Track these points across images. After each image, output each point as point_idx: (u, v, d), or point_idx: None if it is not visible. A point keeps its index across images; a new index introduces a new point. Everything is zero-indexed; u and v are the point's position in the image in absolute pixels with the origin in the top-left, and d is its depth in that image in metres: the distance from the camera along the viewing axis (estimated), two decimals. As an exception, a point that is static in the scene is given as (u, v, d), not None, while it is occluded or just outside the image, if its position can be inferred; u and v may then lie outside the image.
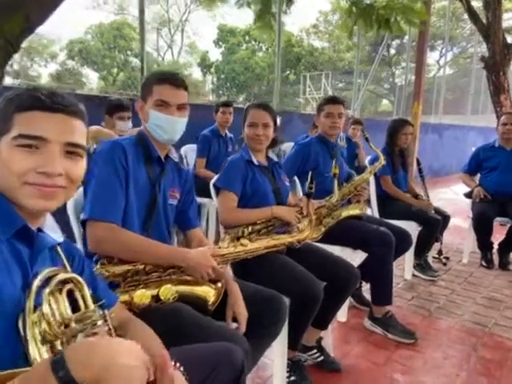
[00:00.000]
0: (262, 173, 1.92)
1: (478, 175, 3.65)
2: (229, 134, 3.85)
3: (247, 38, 27.63)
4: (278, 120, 2.01)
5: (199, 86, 31.50)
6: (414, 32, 11.20)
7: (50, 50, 23.19)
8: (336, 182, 1.98)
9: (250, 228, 1.76)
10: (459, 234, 4.47)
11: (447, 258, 3.55)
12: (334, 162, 2.50)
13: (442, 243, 3.32)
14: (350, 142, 5.47)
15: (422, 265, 3.14)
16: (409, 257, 3.06)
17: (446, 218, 3.14)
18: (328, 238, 2.32)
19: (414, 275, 3.14)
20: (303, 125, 6.37)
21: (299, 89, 20.75)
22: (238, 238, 1.71)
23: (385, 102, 33.10)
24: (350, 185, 2.45)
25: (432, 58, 28.71)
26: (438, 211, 3.14)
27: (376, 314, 2.29)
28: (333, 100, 2.46)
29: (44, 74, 23.07)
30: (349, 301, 2.56)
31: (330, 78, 20.92)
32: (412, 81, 10.77)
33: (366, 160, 3.34)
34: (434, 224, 3.00)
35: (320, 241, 2.29)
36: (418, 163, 3.25)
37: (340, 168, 2.53)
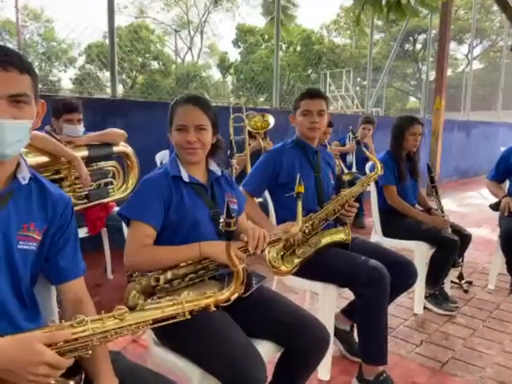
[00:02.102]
0: (194, 193, 1.41)
1: (507, 182, 3.02)
2: None
3: (266, 37, 27.11)
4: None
5: (219, 87, 31.25)
6: (438, 24, 10.43)
7: (69, 56, 23.38)
8: (299, 206, 1.44)
9: (169, 274, 1.25)
10: (486, 248, 3.83)
11: (469, 283, 2.94)
12: (313, 173, 1.98)
13: (462, 267, 2.72)
14: (360, 143, 4.88)
15: (436, 295, 2.55)
16: (420, 286, 2.48)
17: (465, 238, 2.54)
18: (306, 271, 1.80)
19: (425, 308, 2.56)
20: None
21: (321, 87, 20.03)
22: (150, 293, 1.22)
23: (412, 99, 31.91)
24: (335, 201, 1.91)
25: (461, 52, 27.41)
26: (455, 229, 2.54)
27: (366, 374, 1.73)
28: (310, 94, 1.94)
29: (64, 78, 23.24)
30: (335, 348, 2.01)
31: (352, 76, 20.11)
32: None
33: (367, 167, 2.78)
34: (451, 246, 2.41)
35: (296, 274, 1.78)
36: (430, 171, 2.65)
37: (323, 183, 2.00)
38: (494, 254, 2.93)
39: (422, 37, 28.12)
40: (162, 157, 3.28)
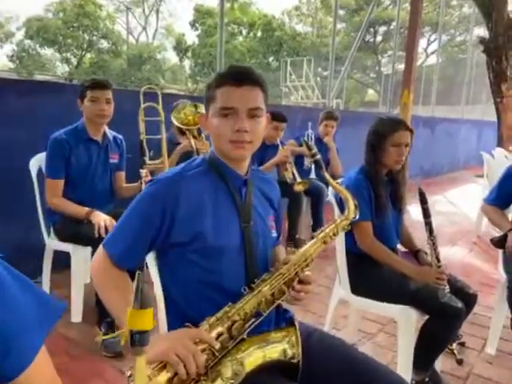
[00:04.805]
0: None
1: (512, 208, 2.28)
2: None
3: (225, 20, 25.82)
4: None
5: (176, 71, 29.63)
6: (402, 17, 9.84)
7: (6, 30, 21.04)
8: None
9: None
10: (469, 275, 3.13)
11: (462, 345, 2.18)
12: (239, 223, 1.09)
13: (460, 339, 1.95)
14: (321, 143, 4.05)
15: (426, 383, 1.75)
16: (404, 370, 1.66)
17: (469, 299, 1.73)
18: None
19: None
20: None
21: (282, 76, 19.16)
22: None
23: (371, 91, 31.86)
24: (276, 276, 1.04)
25: (420, 45, 27.52)
26: (455, 286, 1.74)
27: None
28: (234, 77, 1.03)
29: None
30: None
31: (313, 65, 19.41)
32: (400, 69, 9.46)
33: (330, 192, 1.92)
34: (452, 316, 1.60)
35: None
36: (423, 200, 1.78)
37: (256, 239, 1.11)
38: (495, 309, 2.17)
39: (382, 29, 27.90)
40: (40, 162, 2.27)
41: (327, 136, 4.00)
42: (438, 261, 1.70)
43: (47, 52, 21.34)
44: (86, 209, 2.11)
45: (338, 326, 2.29)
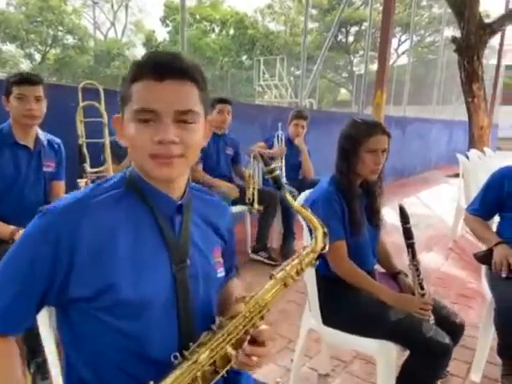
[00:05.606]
0: None
1: (496, 219, 2.08)
2: None
3: (197, 16, 25.29)
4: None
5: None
6: (374, 18, 9.76)
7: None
8: None
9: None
10: (449, 285, 2.96)
11: (446, 374, 1.97)
12: (170, 265, 0.80)
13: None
14: (292, 145, 3.81)
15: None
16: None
17: (455, 330, 1.52)
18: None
19: None
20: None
21: (255, 75, 18.92)
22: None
23: (343, 91, 32.01)
24: (222, 333, 0.76)
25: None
26: (440, 315, 1.51)
27: None
28: None
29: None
30: None
31: (286, 64, 19.26)
32: (371, 69, 9.37)
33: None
34: (439, 353, 1.37)
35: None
36: (404, 217, 1.54)
37: (188, 287, 0.83)
38: (481, 333, 1.96)
39: (354, 29, 28.04)
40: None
41: (298, 137, 3.77)
42: (422, 288, 1.46)
43: (10, 48, 20.30)
44: (11, 227, 1.78)
45: (309, 352, 2.04)
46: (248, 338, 0.81)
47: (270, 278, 0.89)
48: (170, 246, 0.81)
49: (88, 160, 1.99)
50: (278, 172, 0.99)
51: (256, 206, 3.15)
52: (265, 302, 0.85)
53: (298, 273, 0.91)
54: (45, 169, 1.98)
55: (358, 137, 1.54)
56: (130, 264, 0.75)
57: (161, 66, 0.74)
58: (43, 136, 2.00)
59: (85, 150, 1.97)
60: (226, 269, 0.98)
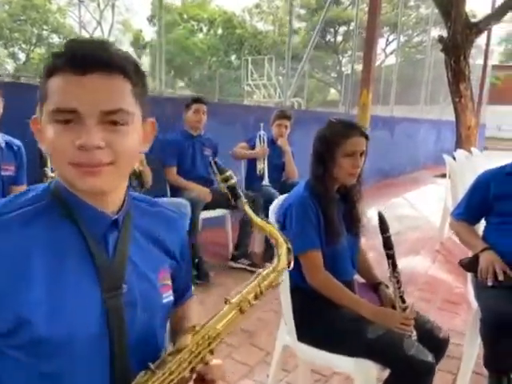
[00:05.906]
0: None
1: (482, 223, 1.99)
2: None
3: (185, 16, 25.08)
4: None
5: (135, 68, 28.52)
6: (361, 18, 9.70)
7: None
8: None
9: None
10: (434, 291, 2.88)
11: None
12: (100, 297, 0.68)
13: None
14: (275, 146, 3.69)
15: None
16: None
17: (439, 345, 1.41)
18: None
19: None
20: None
21: (243, 75, 18.82)
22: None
23: (333, 91, 32.05)
24: (163, 372, 0.65)
25: (378, 46, 27.87)
26: (423, 328, 1.40)
27: None
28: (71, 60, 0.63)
29: None
30: None
31: (274, 64, 19.18)
32: (358, 69, 9.32)
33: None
34: (421, 373, 1.27)
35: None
36: (384, 229, 1.41)
37: (131, 320, 0.70)
38: (467, 343, 1.86)
39: (342, 29, 28.06)
40: None
41: (281, 137, 3.65)
42: (403, 301, 1.36)
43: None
44: None
45: (287, 366, 1.93)
46: (194, 376, 0.69)
47: (225, 302, 0.78)
48: (101, 269, 0.69)
49: (49, 164, 1.86)
50: (233, 181, 0.87)
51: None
52: (216, 332, 0.73)
53: (256, 297, 0.80)
54: (3, 172, 1.84)
55: (334, 139, 1.43)
56: (45, 294, 0.63)
57: (82, 57, 0.62)
58: (0, 137, 1.86)
59: (45, 154, 1.84)
60: (179, 291, 0.86)
